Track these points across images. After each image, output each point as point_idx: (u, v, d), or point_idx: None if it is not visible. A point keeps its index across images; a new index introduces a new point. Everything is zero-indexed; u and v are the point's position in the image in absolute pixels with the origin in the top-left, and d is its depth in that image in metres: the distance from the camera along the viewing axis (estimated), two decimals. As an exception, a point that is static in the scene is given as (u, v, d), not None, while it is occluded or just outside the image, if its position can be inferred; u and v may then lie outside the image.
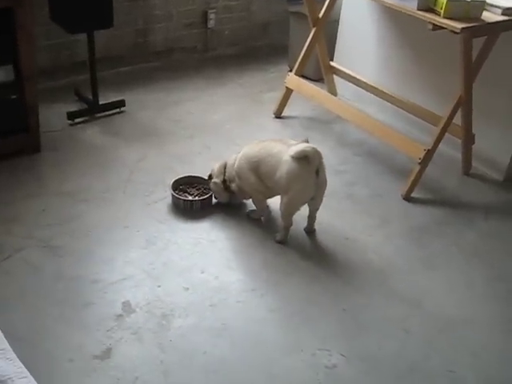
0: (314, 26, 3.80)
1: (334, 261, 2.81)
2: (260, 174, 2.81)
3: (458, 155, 3.54)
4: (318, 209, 2.87)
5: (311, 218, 2.91)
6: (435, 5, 2.80)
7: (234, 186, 2.95)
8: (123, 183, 3.19)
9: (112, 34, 4.02)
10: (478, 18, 2.82)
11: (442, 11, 2.76)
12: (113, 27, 3.81)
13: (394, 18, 3.82)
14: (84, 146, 3.47)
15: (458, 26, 2.71)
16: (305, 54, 3.85)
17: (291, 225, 2.86)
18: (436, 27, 2.80)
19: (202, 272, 2.67)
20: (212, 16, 4.55)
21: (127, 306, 2.46)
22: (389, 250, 2.91)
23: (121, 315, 2.42)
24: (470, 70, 3.03)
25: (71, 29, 3.39)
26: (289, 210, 2.78)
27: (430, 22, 2.80)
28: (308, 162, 2.64)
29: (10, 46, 2.98)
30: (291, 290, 2.62)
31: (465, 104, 3.17)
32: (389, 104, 3.81)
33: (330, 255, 2.85)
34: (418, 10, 2.85)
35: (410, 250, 2.94)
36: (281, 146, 2.74)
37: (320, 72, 4.22)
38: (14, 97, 3.12)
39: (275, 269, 2.72)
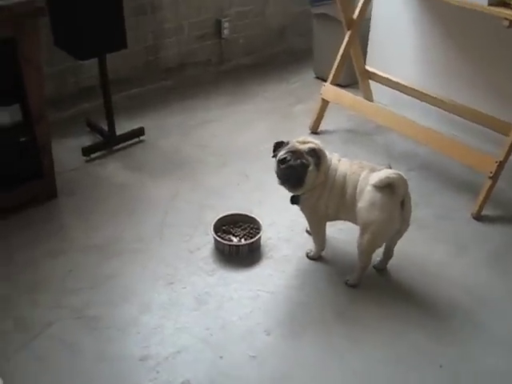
0: (348, 29, 3.39)
1: (416, 305, 2.41)
2: (341, 201, 2.41)
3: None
4: (396, 244, 2.48)
5: (388, 253, 2.52)
6: (510, -2, 2.41)
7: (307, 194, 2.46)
8: (158, 228, 2.77)
9: (120, 53, 3.58)
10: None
11: (521, 4, 2.38)
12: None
13: (434, 12, 3.42)
14: (105, 185, 3.05)
15: (543, 20, 2.32)
16: (340, 61, 3.44)
17: (370, 264, 2.47)
18: (512, 24, 2.41)
19: (268, 334, 2.27)
20: (226, 25, 4.12)
21: (188, 387, 2.06)
22: (475, 284, 2.52)
23: (182, 400, 2.02)
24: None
25: (81, 55, 2.96)
26: (371, 246, 2.38)
27: (505, 18, 2.40)
28: (393, 191, 2.25)
29: (15, 82, 2.56)
30: (375, 348, 2.22)
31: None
32: (432, 108, 3.42)
33: (411, 298, 2.45)
34: (489, 5, 2.45)
35: (499, 281, 2.55)
36: (366, 173, 2.35)
37: (350, 77, 3.82)
38: (23, 139, 2.70)
39: (352, 321, 2.33)
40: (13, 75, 2.56)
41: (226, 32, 4.16)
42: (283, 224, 2.81)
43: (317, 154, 2.36)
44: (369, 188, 2.31)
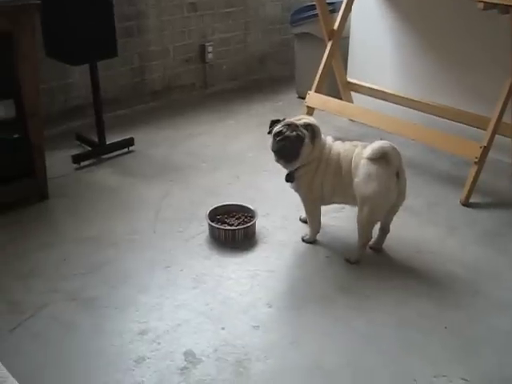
0: (329, 40, 3.55)
1: (415, 277, 2.42)
2: (337, 179, 2.44)
3: (502, 158, 3.25)
4: (392, 219, 2.49)
5: (384, 231, 2.52)
6: (483, -18, 2.58)
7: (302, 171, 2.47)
8: (151, 223, 2.76)
9: (107, 74, 3.69)
10: (527, -7, 2.59)
11: (493, -13, 2.54)
12: (108, 65, 3.54)
13: (409, 18, 3.61)
14: (97, 188, 3.05)
15: (516, -2, 2.47)
16: (323, 71, 3.58)
17: (370, 239, 2.48)
18: (487, 6, 2.56)
19: (270, 306, 2.24)
20: (210, 49, 4.27)
21: (191, 356, 2.00)
22: (468, 259, 2.54)
23: (186, 368, 1.95)
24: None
25: (73, 60, 3.04)
26: (371, 219, 2.40)
27: (480, 1, 2.55)
28: (387, 162, 2.29)
29: (11, 77, 2.60)
30: (379, 315, 2.20)
31: (516, 93, 2.90)
32: (414, 112, 3.51)
33: (409, 272, 2.45)
34: (464, -11, 2.62)
35: (491, 255, 2.57)
36: (359, 149, 2.40)
37: (331, 89, 3.91)
38: (16, 136, 2.72)
39: (354, 294, 2.31)
40: (7, 71, 2.60)
41: (209, 57, 4.30)
42: (277, 214, 2.82)
43: (312, 129, 2.41)
44: (363, 162, 2.36)
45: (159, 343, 2.05)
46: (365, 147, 2.41)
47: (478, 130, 3.13)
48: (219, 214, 2.73)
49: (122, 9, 3.72)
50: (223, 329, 2.12)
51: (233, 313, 2.20)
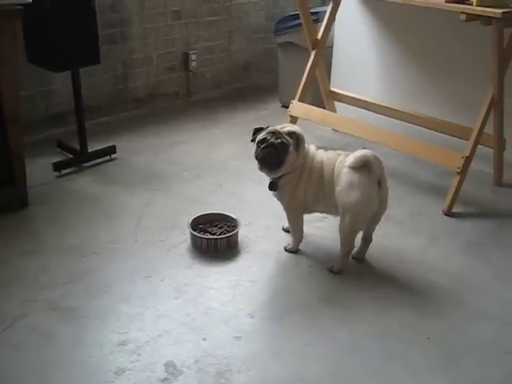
0: (313, 49, 3.56)
1: (397, 287, 2.42)
2: (320, 187, 2.43)
3: (484, 168, 3.28)
4: (374, 229, 2.50)
5: (366, 240, 2.53)
6: (464, -5, 2.60)
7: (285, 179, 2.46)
8: (133, 231, 2.73)
9: (89, 81, 3.67)
10: (509, 6, 2.62)
11: (475, 0, 2.55)
12: (90, 72, 3.52)
13: (393, 30, 3.64)
14: (78, 196, 3.02)
15: (498, 11, 2.49)
16: (306, 80, 3.58)
17: (353, 249, 2.47)
18: (469, 17, 2.58)
19: (252, 317, 2.22)
20: (193, 57, 4.27)
21: (171, 367, 1.97)
22: (451, 268, 2.55)
23: (166, 379, 1.93)
24: (503, 65, 2.81)
25: (55, 67, 3.01)
26: (353, 228, 2.39)
27: (462, 12, 2.58)
28: (369, 170, 2.29)
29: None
30: (362, 326, 2.19)
31: (497, 104, 2.93)
32: (398, 122, 3.53)
33: (392, 282, 2.45)
34: (447, 2, 2.63)
35: (474, 265, 2.58)
36: (342, 158, 2.41)
37: (315, 99, 3.92)
38: (-5, 143, 2.68)
39: (336, 304, 2.30)
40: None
41: (193, 64, 4.29)
42: (259, 224, 2.81)
43: (297, 137, 2.41)
44: (345, 170, 2.36)
45: (139, 354, 2.02)
46: (347, 156, 2.41)
47: (461, 140, 3.16)
48: (201, 223, 2.71)
49: (105, 16, 3.71)
50: (204, 339, 2.10)
51: (214, 323, 2.18)
